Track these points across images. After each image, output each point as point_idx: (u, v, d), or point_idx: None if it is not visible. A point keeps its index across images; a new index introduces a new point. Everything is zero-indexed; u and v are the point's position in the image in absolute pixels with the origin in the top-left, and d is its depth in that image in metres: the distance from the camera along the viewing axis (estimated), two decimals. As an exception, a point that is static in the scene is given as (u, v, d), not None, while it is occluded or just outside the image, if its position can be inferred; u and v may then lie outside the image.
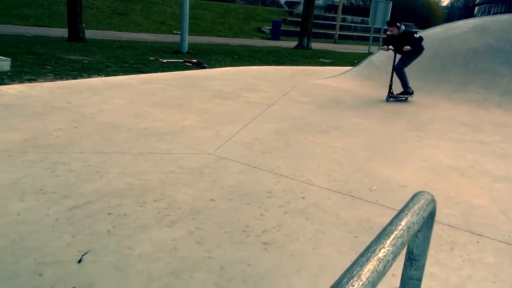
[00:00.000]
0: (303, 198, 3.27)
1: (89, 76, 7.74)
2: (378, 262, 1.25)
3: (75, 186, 3.12)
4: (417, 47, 7.34)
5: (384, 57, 9.84)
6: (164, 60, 10.40)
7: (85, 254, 2.29)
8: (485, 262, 2.56)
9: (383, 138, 5.20)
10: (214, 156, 4.00)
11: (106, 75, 7.88)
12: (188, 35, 13.22)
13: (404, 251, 1.56)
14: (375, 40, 23.00)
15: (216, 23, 25.57)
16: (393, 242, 1.35)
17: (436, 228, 2.31)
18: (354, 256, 2.45)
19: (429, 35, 9.73)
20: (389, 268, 1.30)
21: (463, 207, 3.35)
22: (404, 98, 7.79)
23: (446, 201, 3.40)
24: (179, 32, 13.94)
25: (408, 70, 7.65)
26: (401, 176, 3.91)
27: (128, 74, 8.09)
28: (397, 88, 7.70)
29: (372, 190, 3.53)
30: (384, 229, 1.41)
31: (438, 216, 2.30)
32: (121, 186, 3.18)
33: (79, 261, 2.23)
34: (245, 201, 3.11)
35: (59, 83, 6.78)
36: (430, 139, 5.28)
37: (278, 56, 14.67)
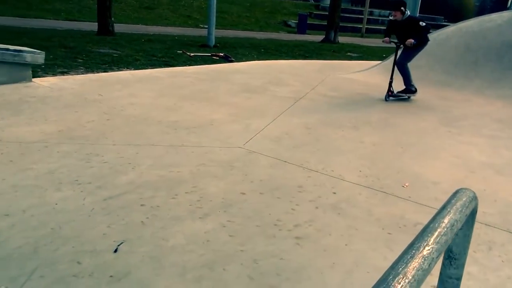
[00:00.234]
0: (334, 193, 3.24)
1: (118, 69, 7.86)
2: (423, 260, 1.22)
3: (109, 177, 3.17)
4: (422, 39, 6.55)
5: (414, 51, 9.65)
6: (192, 54, 10.46)
7: (120, 244, 2.33)
8: (524, 263, 2.49)
9: (414, 133, 5.09)
10: (243, 150, 4.00)
11: (135, 68, 7.99)
12: (215, 28, 13.25)
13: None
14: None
15: (242, 16, 25.55)
16: (437, 239, 1.32)
17: (474, 226, 2.25)
18: (388, 253, 2.43)
19: (462, 28, 9.48)
20: (434, 266, 1.28)
21: (500, 205, 3.25)
22: (406, 97, 7.02)
23: (482, 199, 3.29)
24: (206, 26, 14.00)
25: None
26: (434, 173, 3.83)
27: (157, 68, 8.17)
28: (396, 87, 7.53)
29: (405, 186, 3.47)
30: (427, 226, 1.38)
31: (477, 214, 2.24)
32: (153, 178, 3.22)
33: (115, 251, 2.27)
34: (276, 195, 3.10)
35: (90, 75, 6.90)
36: (463, 135, 5.15)
37: (305, 50, 14.55)
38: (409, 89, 6.97)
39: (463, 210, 1.49)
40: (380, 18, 32.26)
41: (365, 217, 2.90)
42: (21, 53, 5.64)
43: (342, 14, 23.37)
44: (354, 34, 25.85)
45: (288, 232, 2.62)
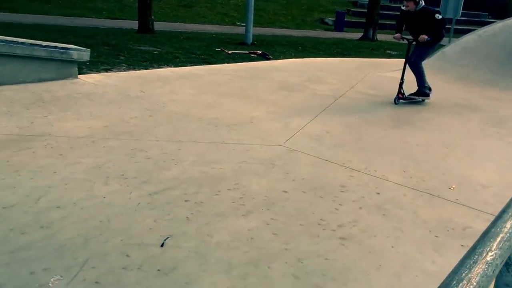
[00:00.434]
0: (378, 193, 3.17)
1: (159, 66, 8.01)
2: (486, 266, 1.18)
3: (153, 172, 3.23)
4: (437, 34, 5.81)
5: (458, 49, 9.34)
6: (230, 52, 10.52)
7: (167, 238, 2.37)
8: None
9: (460, 134, 4.93)
10: (284, 148, 3.99)
11: (175, 66, 8.11)
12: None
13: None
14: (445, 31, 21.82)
15: (278, 14, 25.49)
16: (500, 245, 1.26)
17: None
18: (436, 257, 2.37)
19: (510, 24, 9.10)
20: (497, 273, 1.23)
21: (555, 211, 3.09)
22: (420, 100, 6.28)
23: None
24: (242, 24, 14.05)
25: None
26: (482, 175, 3.69)
27: (196, 65, 8.27)
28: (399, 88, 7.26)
29: (451, 188, 3.36)
30: (488, 231, 1.33)
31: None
32: (196, 174, 3.26)
33: (162, 245, 2.31)
34: (318, 194, 3.07)
35: (132, 73, 7.06)
36: (512, 137, 4.94)
37: (343, 48, 14.36)
38: (423, 91, 6.23)
39: (525, 214, 1.43)
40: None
41: (411, 219, 2.83)
42: (68, 51, 5.83)
43: (381, 11, 22.89)
44: (393, 31, 25.23)
45: (332, 232, 2.59)
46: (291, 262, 2.25)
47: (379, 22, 20.50)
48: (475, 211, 2.98)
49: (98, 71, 6.90)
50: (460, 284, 1.11)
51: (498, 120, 5.69)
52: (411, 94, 6.22)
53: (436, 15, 5.70)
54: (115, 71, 7.08)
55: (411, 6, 5.73)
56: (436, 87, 6.64)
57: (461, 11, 16.76)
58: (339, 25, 23.85)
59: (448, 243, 2.54)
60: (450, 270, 1.08)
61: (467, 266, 1.18)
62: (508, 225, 1.36)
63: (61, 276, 1.99)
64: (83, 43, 8.11)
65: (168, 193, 2.91)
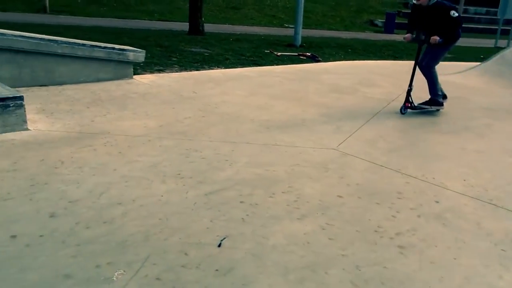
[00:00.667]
0: (437, 202, 3.06)
1: (210, 67, 8.13)
2: None
3: (208, 172, 3.28)
4: (451, 35, 5.10)
5: (520, 52, 8.87)
6: (279, 53, 10.53)
7: (223, 239, 2.39)
8: None
9: (523, 142, 4.67)
10: (337, 152, 3.93)
11: (226, 67, 8.21)
12: (301, 28, 13.21)
13: None
14: (504, 33, 20.78)
15: (327, 16, 25.24)
16: None
17: None
18: (504, 272, 2.25)
19: None
20: None
21: None
22: (433, 110, 5.54)
23: None
24: (290, 26, 14.01)
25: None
26: (550, 186, 3.47)
27: (246, 67, 8.33)
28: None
29: (517, 199, 3.19)
30: None
31: None
32: (250, 176, 3.27)
33: (219, 245, 2.33)
34: (374, 200, 3.00)
35: (184, 74, 7.22)
36: None
37: (394, 50, 14.03)
38: (436, 100, 5.51)
39: None
40: (476, 16, 30.13)
41: (473, 230, 2.71)
42: (125, 52, 6.04)
43: (434, 12, 22.07)
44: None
45: (390, 240, 2.52)
46: (348, 269, 2.21)
47: (432, 23, 19.77)
48: (543, 225, 2.81)
49: (152, 72, 7.10)
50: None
51: None
52: (422, 103, 5.55)
53: (452, 12, 4.98)
54: (168, 72, 7.26)
55: (424, 0, 5.09)
56: (494, 92, 6.33)
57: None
58: (389, 27, 23.30)
59: (515, 258, 2.41)
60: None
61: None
62: None
63: (124, 271, 2.05)
64: (137, 44, 8.38)
65: (223, 193, 2.94)
